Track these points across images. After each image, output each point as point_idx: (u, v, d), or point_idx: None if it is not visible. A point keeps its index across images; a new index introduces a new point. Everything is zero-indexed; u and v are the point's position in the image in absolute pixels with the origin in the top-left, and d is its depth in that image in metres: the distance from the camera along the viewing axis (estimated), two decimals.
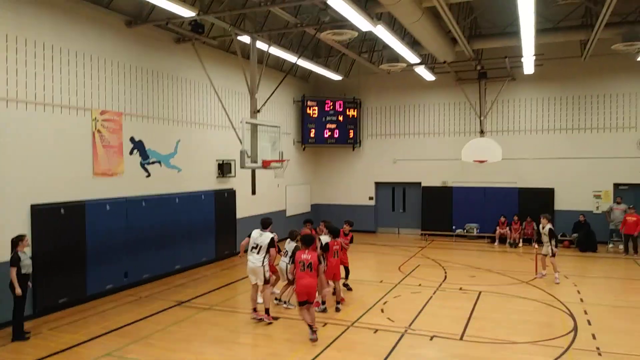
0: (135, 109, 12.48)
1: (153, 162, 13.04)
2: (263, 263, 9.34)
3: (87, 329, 9.18)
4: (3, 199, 9.28)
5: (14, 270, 8.48)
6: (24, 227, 9.56)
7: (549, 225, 12.86)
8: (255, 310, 9.71)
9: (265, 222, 9.67)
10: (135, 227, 12.17)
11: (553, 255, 12.73)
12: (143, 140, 12.69)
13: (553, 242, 12.76)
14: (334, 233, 10.61)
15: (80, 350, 8.22)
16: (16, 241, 8.69)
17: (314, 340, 8.47)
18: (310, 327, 8.55)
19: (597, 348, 8.18)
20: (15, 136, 9.53)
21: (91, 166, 11.21)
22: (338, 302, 10.40)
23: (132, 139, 12.36)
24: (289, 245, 10.34)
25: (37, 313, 9.83)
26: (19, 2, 9.61)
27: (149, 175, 12.88)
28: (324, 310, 10.07)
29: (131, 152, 12.35)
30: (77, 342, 8.54)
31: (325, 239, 10.55)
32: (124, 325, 9.43)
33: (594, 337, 8.72)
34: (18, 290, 8.49)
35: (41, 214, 9.92)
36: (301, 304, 8.55)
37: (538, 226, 14.05)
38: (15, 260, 8.54)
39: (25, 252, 8.81)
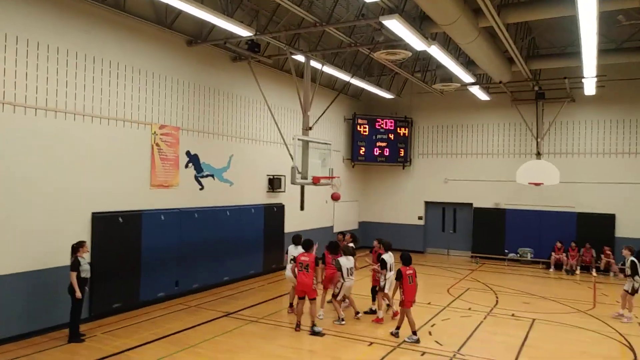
0: (192, 124, 12.94)
1: (207, 176, 13.42)
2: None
3: (139, 335, 9.48)
4: (67, 206, 9.80)
5: (74, 275, 8.89)
6: (85, 233, 10.05)
7: (631, 258, 11.49)
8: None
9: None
10: (188, 237, 12.53)
11: (634, 292, 11.31)
12: (198, 154, 13.11)
13: (637, 278, 11.28)
14: (405, 260, 10.01)
15: (131, 355, 8.49)
16: (77, 247, 9.11)
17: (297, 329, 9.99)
18: (298, 323, 10.06)
19: None
20: (80, 147, 10.08)
21: (149, 178, 11.68)
22: (397, 328, 9.83)
23: (187, 153, 12.79)
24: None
25: (92, 316, 10.24)
26: (87, 23, 10.22)
27: (202, 188, 13.26)
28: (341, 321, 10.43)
29: (186, 166, 12.77)
30: (128, 346, 8.83)
31: (387, 257, 10.92)
32: (173, 332, 9.68)
33: None
34: (78, 294, 8.88)
35: (101, 222, 10.39)
36: (300, 298, 10.09)
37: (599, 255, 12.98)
38: (75, 265, 8.95)
39: (85, 258, 9.23)
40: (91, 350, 8.61)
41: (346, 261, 10.62)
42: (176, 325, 10.17)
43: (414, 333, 9.55)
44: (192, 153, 12.94)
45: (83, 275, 9.04)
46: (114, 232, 10.67)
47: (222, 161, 14.02)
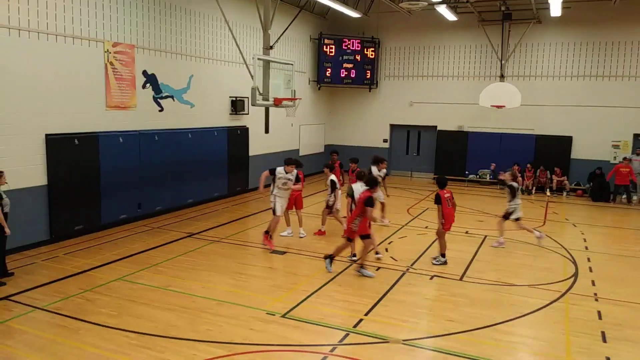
0: (148, 42, 12.39)
1: (166, 97, 13.07)
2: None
3: (101, 255, 9.60)
4: (18, 128, 9.47)
5: None
6: (38, 156, 9.84)
7: (510, 182, 11.04)
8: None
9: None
10: (149, 160, 12.40)
11: (506, 217, 11.02)
12: (156, 74, 12.67)
13: (511, 203, 10.96)
14: (441, 184, 9.72)
15: (94, 274, 8.63)
16: None
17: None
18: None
19: (595, 294, 8.30)
20: (29, 66, 9.59)
21: (104, 99, 11.30)
22: (443, 255, 9.77)
23: (144, 73, 12.35)
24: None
25: (53, 238, 10.26)
26: None
27: (161, 110, 12.96)
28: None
29: (144, 86, 12.37)
30: (90, 266, 8.96)
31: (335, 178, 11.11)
32: (135, 253, 9.83)
33: (593, 283, 8.83)
34: (8, 230, 7.93)
35: (56, 144, 10.14)
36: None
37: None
38: None
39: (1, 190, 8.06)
40: (52, 271, 8.71)
41: (360, 188, 9.51)
42: (138, 246, 10.31)
43: (443, 255, 9.73)
44: (150, 73, 12.50)
45: (6, 210, 7.93)
46: (70, 154, 10.45)
47: (182, 82, 13.62)
